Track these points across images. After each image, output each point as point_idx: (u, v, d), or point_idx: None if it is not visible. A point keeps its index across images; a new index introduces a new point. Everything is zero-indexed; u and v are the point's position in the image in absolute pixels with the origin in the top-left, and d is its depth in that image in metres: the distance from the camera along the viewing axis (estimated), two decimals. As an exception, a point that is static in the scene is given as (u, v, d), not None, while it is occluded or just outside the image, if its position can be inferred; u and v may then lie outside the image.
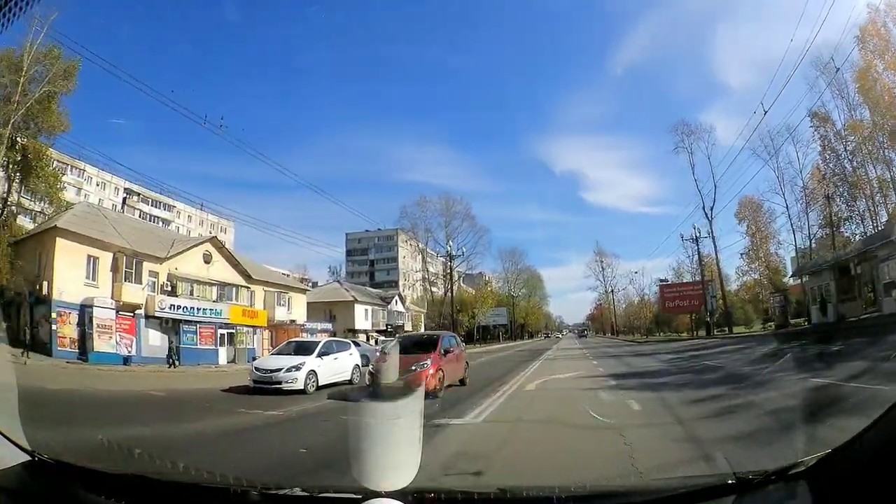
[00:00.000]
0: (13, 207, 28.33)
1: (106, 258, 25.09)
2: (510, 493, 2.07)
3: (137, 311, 25.92)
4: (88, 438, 6.01)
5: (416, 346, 12.92)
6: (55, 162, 31.04)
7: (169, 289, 28.07)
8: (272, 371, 13.47)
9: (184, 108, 47.18)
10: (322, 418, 9.49)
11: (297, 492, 2.01)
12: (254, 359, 28.22)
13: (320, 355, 14.51)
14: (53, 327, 22.43)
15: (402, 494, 1.70)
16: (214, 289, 30.93)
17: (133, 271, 25.71)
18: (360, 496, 1.73)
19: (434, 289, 69.26)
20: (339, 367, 15.18)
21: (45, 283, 23.12)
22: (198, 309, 29.04)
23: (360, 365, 16.15)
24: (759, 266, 47.22)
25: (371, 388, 11.66)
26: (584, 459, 5.61)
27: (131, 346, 24.62)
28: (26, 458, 2.17)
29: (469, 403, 9.96)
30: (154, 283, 27.42)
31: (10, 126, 25.09)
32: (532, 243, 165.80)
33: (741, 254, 48.32)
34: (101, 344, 23.06)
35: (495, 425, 8.05)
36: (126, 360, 23.48)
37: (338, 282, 59.22)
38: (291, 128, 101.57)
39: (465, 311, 66.28)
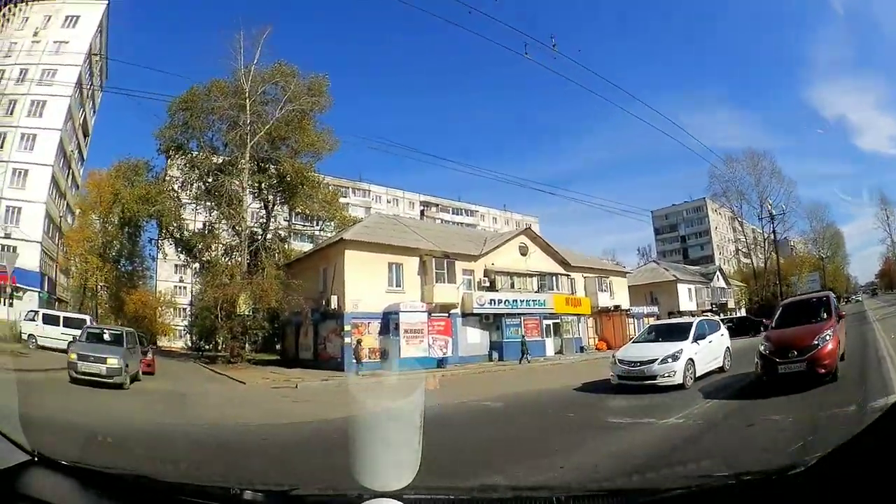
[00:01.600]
0: (280, 231, 27.54)
1: (410, 263, 24.55)
2: (510, 493, 2.10)
3: (452, 311, 25.03)
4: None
5: (804, 315, 10.10)
6: (329, 185, 29.89)
7: (487, 284, 27.26)
8: (643, 363, 10.92)
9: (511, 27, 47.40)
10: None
11: (298, 492, 2.05)
12: (582, 349, 29.85)
13: (696, 339, 11.60)
14: (346, 340, 21.33)
15: (402, 494, 1.67)
16: (534, 279, 29.50)
17: (445, 272, 25.02)
18: (360, 496, 1.71)
19: (746, 260, 61.17)
20: (714, 351, 12.35)
21: (333, 298, 22.03)
22: (520, 301, 27.67)
23: (730, 347, 13.37)
24: None
25: (765, 376, 8.85)
26: None
27: (446, 347, 24.00)
28: (26, 457, 2.14)
29: (874, 379, 8.01)
30: (469, 280, 26.87)
31: (248, 149, 23.52)
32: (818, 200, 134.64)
33: None
34: (409, 349, 21.89)
35: None
36: (440, 363, 22.46)
37: (654, 262, 55.38)
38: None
39: (783, 279, 57.62)
